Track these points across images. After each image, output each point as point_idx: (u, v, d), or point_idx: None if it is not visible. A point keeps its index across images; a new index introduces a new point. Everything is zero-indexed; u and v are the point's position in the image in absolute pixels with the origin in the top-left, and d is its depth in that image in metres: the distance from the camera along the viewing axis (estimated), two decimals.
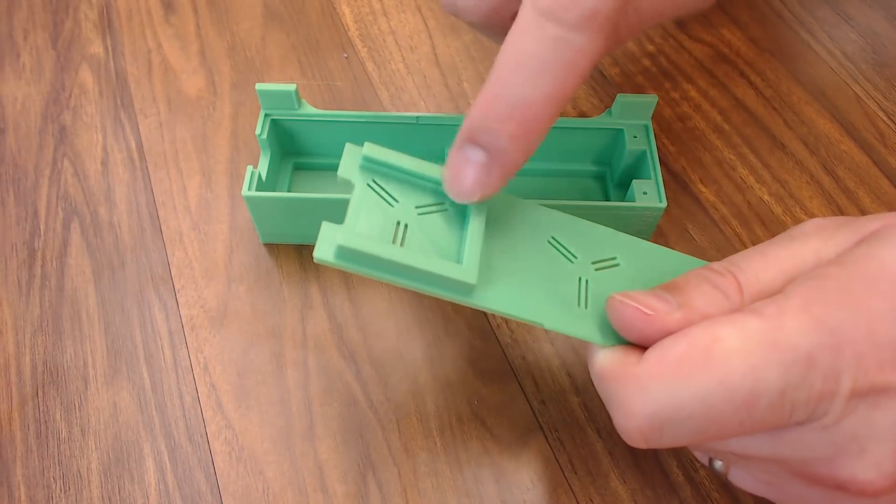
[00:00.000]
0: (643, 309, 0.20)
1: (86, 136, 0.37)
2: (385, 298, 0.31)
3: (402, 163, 0.23)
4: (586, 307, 0.23)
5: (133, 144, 0.37)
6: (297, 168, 0.34)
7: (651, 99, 0.31)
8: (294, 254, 0.33)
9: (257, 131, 0.31)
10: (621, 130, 0.32)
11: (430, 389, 0.29)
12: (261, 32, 0.41)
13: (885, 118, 0.37)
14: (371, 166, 0.23)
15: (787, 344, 0.18)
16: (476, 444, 0.28)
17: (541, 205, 0.25)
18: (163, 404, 0.29)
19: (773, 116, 0.36)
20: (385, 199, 0.23)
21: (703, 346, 0.19)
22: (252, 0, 0.42)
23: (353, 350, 0.30)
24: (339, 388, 0.29)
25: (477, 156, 0.21)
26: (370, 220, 0.22)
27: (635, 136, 0.32)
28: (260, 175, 0.31)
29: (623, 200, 0.32)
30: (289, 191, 0.34)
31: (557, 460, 0.28)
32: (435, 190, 0.24)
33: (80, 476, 0.28)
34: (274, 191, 0.33)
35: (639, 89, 0.39)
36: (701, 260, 0.24)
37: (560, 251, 0.24)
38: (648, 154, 0.31)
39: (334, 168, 0.37)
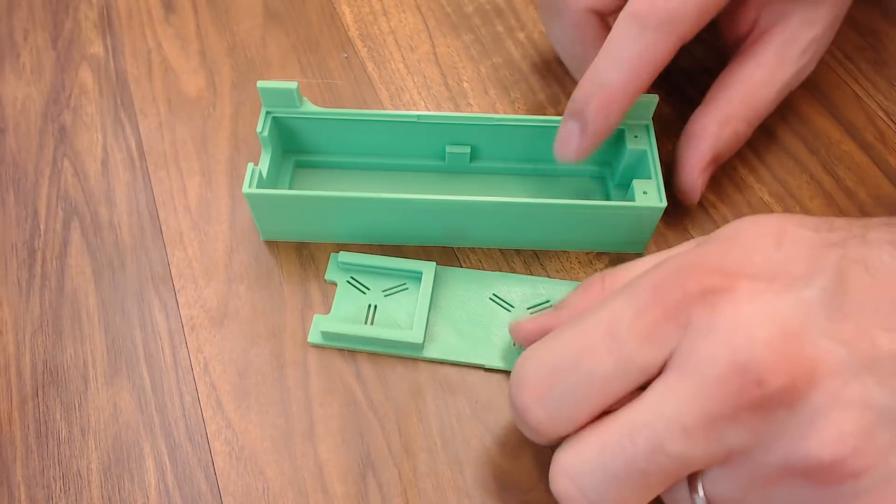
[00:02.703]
0: (524, 321, 0.27)
1: (86, 136, 0.37)
2: None
3: (370, 261, 0.31)
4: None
5: (133, 144, 0.37)
6: (299, 166, 0.34)
7: (651, 99, 0.31)
8: (294, 254, 0.33)
9: (258, 129, 0.31)
10: (622, 130, 0.32)
11: (430, 389, 0.29)
12: (261, 32, 0.41)
13: (885, 118, 0.37)
14: (347, 267, 0.31)
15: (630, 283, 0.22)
16: (476, 444, 0.28)
17: (480, 270, 0.31)
18: (163, 404, 0.29)
19: (773, 116, 0.36)
20: (359, 290, 0.31)
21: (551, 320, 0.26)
22: (252, 0, 0.42)
23: (353, 349, 0.30)
24: (339, 388, 0.29)
25: (573, 126, 0.28)
26: (348, 307, 0.30)
27: (636, 136, 0.32)
28: (261, 172, 0.31)
29: (623, 200, 0.32)
30: (290, 189, 0.34)
31: None
32: (398, 275, 0.31)
33: (80, 476, 0.28)
34: (275, 188, 0.33)
35: None
36: None
37: (499, 304, 0.30)
38: (649, 154, 0.31)
39: (336, 166, 0.37)
